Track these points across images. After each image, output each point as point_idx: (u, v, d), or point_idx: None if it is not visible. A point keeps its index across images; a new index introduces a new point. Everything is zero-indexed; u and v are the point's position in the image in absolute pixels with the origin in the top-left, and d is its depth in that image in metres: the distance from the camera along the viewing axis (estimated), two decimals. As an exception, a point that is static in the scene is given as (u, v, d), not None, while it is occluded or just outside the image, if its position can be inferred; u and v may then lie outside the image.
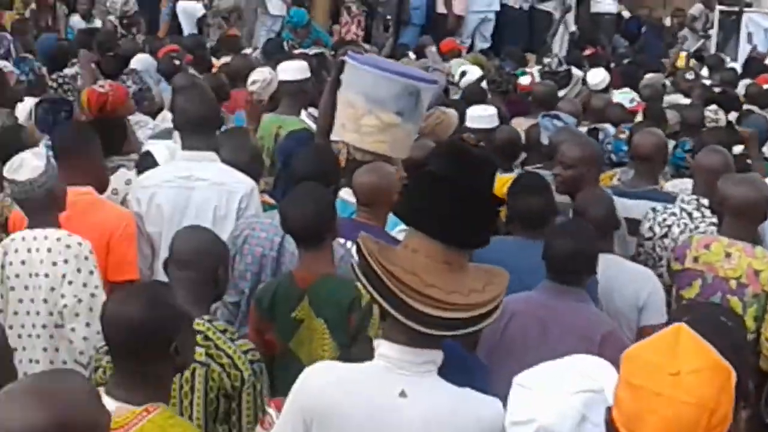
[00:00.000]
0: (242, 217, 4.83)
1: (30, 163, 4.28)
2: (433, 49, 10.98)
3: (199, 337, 3.44)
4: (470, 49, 13.93)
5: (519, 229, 4.88)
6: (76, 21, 12.96)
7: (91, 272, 4.27)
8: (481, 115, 7.46)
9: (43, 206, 4.31)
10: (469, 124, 7.42)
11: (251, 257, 4.62)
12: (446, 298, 2.83)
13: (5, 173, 4.35)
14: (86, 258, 4.27)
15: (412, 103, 5.54)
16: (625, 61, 13.17)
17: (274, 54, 10.16)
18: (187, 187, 4.91)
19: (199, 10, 13.39)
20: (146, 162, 5.48)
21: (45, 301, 4.29)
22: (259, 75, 7.22)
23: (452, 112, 7.19)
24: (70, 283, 4.24)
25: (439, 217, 2.88)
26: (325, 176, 4.72)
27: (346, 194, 5.17)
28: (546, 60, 10.34)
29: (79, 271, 4.24)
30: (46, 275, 4.27)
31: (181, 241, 3.86)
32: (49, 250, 4.28)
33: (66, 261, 4.25)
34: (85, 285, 4.24)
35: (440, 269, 2.86)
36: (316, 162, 4.86)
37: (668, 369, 2.30)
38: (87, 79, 7.41)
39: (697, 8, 17.62)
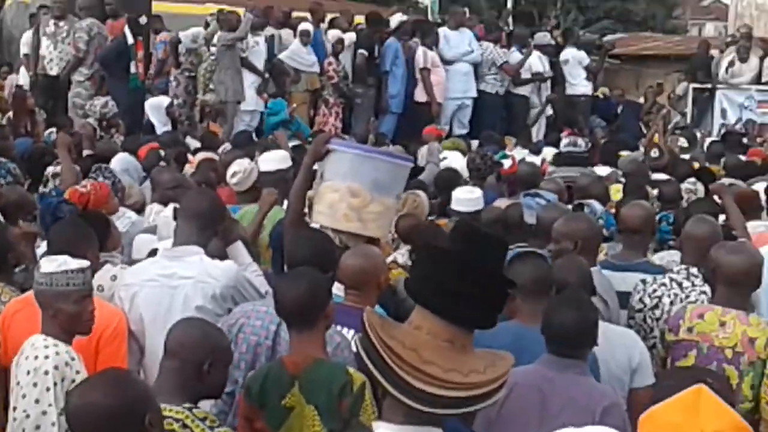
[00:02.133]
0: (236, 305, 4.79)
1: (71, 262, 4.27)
2: (436, 145, 10.97)
3: (177, 425, 3.39)
4: (448, 135, 14.00)
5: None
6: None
7: (48, 389, 4.09)
8: (469, 198, 7.46)
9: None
10: (454, 206, 7.41)
11: (246, 346, 4.55)
12: (444, 376, 2.77)
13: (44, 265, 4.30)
14: (46, 372, 4.11)
15: (404, 184, 5.70)
16: (603, 141, 13.27)
17: (243, 146, 10.13)
18: (170, 286, 4.86)
19: (165, 100, 13.48)
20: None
21: (14, 409, 4.17)
22: (239, 166, 7.21)
23: (423, 194, 7.31)
24: (23, 396, 4.12)
25: (445, 294, 2.83)
26: (323, 263, 4.64)
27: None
28: (567, 140, 10.42)
29: (35, 385, 4.10)
30: (18, 383, 4.18)
31: (172, 329, 3.85)
32: (26, 358, 4.21)
33: (28, 372, 4.14)
34: (37, 401, 4.09)
35: (441, 347, 2.80)
36: (315, 248, 4.79)
37: (691, 429, 2.27)
38: (67, 177, 7.38)
39: (681, 87, 17.88)
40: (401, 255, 6.34)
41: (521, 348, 3.98)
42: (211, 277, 4.86)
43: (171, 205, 6.19)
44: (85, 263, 4.35)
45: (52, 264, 4.28)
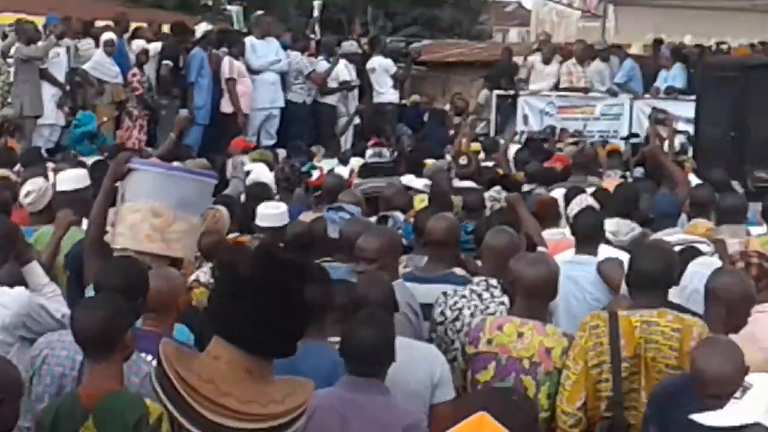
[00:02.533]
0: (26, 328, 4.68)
1: None
2: (240, 159, 10.80)
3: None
4: (256, 146, 13.90)
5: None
6: None
7: None
8: (273, 213, 7.38)
9: None
10: (259, 222, 7.34)
11: (50, 378, 4.38)
12: (242, 408, 2.74)
13: None
14: None
15: (209, 201, 5.64)
16: (409, 149, 13.39)
17: (32, 163, 9.78)
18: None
19: None
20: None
21: None
22: (33, 186, 6.97)
23: (224, 209, 7.19)
24: None
25: (241, 324, 2.80)
26: (132, 290, 4.50)
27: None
28: (372, 151, 10.41)
29: None
30: None
31: None
32: None
33: None
34: None
35: (240, 378, 2.78)
36: (125, 275, 4.62)
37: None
38: None
39: (483, 95, 18.25)
40: (204, 273, 6.25)
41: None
42: (0, 305, 4.70)
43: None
44: None
45: None
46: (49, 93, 13.24)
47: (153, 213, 5.29)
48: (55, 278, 5.74)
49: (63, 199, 6.71)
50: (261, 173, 9.97)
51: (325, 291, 4.70)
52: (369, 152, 10.42)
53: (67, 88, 13.55)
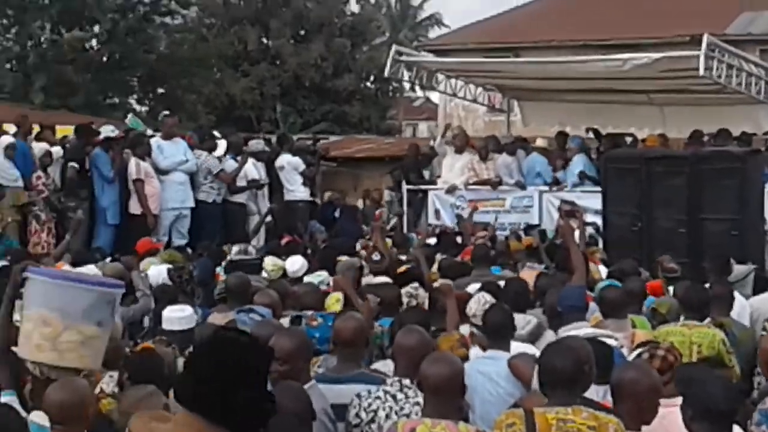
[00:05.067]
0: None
1: None
2: (136, 272, 10.53)
3: None
4: (167, 246, 13.76)
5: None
6: None
7: None
8: (180, 317, 7.25)
9: None
10: (165, 326, 7.19)
11: None
12: None
13: None
14: None
15: (109, 311, 5.37)
16: (322, 245, 13.36)
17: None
18: None
19: None
20: None
21: None
22: None
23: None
24: None
25: (186, 386, 3.04)
26: None
27: (37, 417, 4.86)
28: (237, 248, 10.27)
29: None
30: None
31: None
32: None
33: None
34: None
35: None
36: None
37: None
38: None
39: (387, 194, 18.39)
40: (106, 384, 6.08)
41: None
42: None
43: None
44: None
45: None
46: (-48, 197, 12.97)
47: (43, 322, 5.15)
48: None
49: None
50: (159, 275, 9.82)
51: None
52: (234, 249, 10.30)
53: (-27, 193, 13.29)
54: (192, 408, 3.04)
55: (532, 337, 6.93)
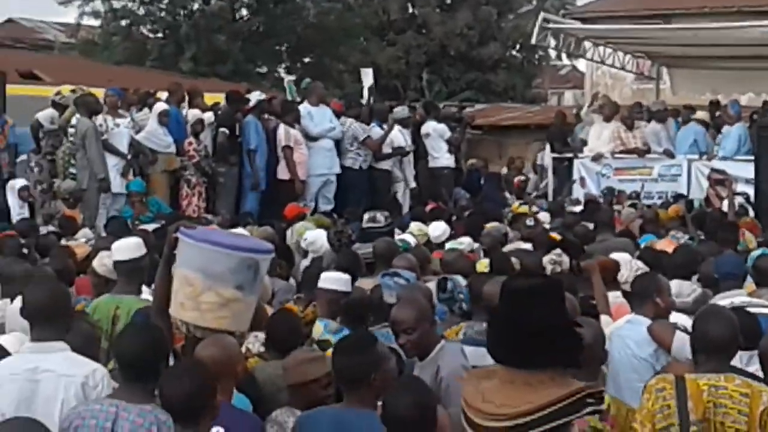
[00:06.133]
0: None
1: None
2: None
3: None
4: (314, 211, 13.96)
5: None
6: None
7: None
8: (338, 278, 7.33)
9: None
10: (323, 285, 7.29)
11: None
12: (495, 411, 3.17)
13: None
14: None
15: (251, 276, 5.37)
16: (467, 212, 13.36)
17: (118, 233, 9.94)
18: (33, 380, 4.78)
19: (19, 182, 13.23)
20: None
21: None
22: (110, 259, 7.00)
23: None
24: None
25: (496, 345, 3.31)
26: (153, 357, 4.61)
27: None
28: (368, 215, 10.36)
29: None
30: None
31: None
32: None
33: None
34: None
35: (502, 387, 3.23)
36: (142, 345, 4.67)
37: None
38: None
39: (540, 157, 18.29)
40: (252, 344, 6.21)
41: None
42: (75, 372, 4.79)
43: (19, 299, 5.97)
44: None
45: None
46: (111, 163, 13.37)
47: (186, 281, 5.27)
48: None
49: (120, 269, 6.72)
50: (318, 238, 9.97)
51: (372, 359, 4.75)
52: (365, 217, 10.36)
53: (129, 157, 13.69)
54: (512, 363, 3.25)
55: (696, 305, 6.83)
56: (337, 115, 15.37)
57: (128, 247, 6.74)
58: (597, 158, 16.72)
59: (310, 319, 6.63)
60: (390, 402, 4.26)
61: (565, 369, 3.28)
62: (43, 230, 11.39)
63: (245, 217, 12.86)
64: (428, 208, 13.43)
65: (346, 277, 7.17)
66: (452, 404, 4.64)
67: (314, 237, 10.09)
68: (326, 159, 14.95)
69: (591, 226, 10.97)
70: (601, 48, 18.83)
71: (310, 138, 14.85)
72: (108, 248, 7.44)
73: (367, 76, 19.25)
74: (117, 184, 13.39)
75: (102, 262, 7.13)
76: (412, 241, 9.83)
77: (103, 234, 10.76)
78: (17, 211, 13.03)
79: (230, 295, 5.26)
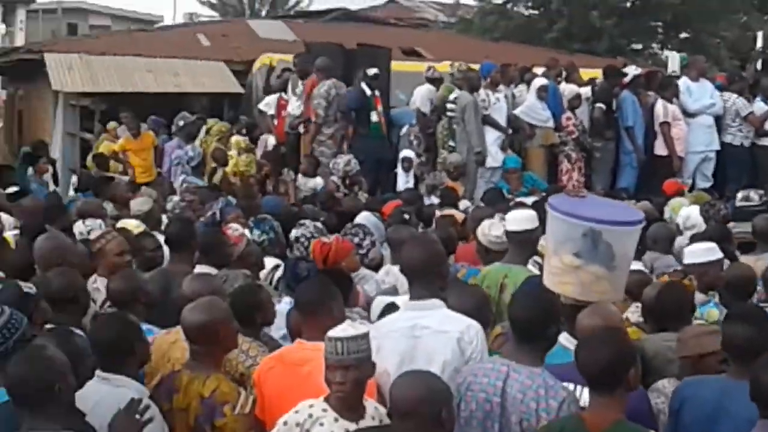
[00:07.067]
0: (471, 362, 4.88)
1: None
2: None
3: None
4: (691, 188, 13.69)
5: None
6: (303, 182, 13.44)
7: None
8: (707, 248, 7.23)
9: None
10: (688, 260, 7.23)
11: (475, 404, 4.65)
12: None
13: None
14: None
15: (588, 245, 5.40)
16: None
17: (494, 202, 10.24)
18: (413, 336, 4.99)
19: (405, 152, 13.92)
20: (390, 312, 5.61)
21: None
22: (497, 230, 7.21)
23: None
24: None
25: None
26: (543, 322, 4.75)
27: (564, 340, 5.11)
28: (741, 194, 9.99)
29: None
30: None
31: (398, 389, 4.16)
32: None
33: None
34: None
35: None
36: (534, 309, 4.82)
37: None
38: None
39: None
40: (632, 313, 6.23)
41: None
42: (450, 328, 4.98)
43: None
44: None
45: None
46: (492, 137, 13.74)
47: (542, 246, 5.47)
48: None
49: (512, 239, 6.87)
50: (692, 214, 9.82)
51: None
52: (738, 196, 9.92)
53: (509, 132, 13.98)
54: None
55: None
56: (720, 89, 14.94)
57: (522, 218, 6.84)
58: None
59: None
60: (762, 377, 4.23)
61: None
62: (426, 201, 11.86)
63: (620, 192, 12.84)
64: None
65: (712, 245, 7.10)
66: None
67: (688, 213, 9.95)
68: (705, 135, 14.61)
69: None
70: None
71: (688, 114, 14.56)
72: (484, 217, 7.68)
73: (674, 60, 18.63)
74: (496, 158, 13.71)
75: (483, 232, 7.33)
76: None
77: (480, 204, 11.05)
78: (403, 179, 13.69)
79: (569, 261, 5.36)
